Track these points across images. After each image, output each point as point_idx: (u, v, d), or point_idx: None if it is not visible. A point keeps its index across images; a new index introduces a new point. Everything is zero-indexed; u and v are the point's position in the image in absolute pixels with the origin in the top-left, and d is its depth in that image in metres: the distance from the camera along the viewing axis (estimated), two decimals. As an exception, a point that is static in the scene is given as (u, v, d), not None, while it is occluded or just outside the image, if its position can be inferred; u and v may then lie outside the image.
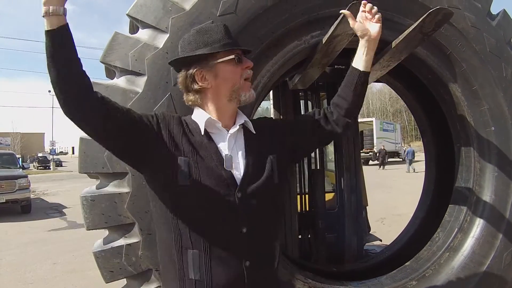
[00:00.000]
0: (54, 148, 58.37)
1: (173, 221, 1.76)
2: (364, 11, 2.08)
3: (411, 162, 31.68)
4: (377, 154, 33.86)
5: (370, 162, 40.76)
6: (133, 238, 2.49)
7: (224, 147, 1.84)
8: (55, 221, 12.92)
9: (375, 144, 40.02)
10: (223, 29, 1.89)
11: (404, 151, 33.21)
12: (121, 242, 2.51)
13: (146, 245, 2.46)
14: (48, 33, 1.54)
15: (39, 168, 50.09)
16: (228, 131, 1.86)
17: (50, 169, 50.05)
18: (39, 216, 13.90)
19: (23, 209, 14.56)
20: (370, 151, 40.63)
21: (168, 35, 2.53)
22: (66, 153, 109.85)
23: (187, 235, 1.74)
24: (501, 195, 3.41)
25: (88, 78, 1.68)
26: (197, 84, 1.86)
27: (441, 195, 4.06)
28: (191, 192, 1.72)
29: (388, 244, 4.70)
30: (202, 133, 1.82)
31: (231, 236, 1.76)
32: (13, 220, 13.08)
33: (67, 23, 1.58)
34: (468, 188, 3.55)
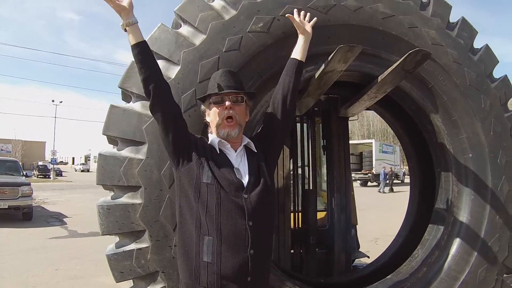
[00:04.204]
0: (55, 157, 58.42)
1: (196, 211, 2.26)
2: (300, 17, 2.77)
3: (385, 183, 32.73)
4: (386, 175, 33.96)
5: (369, 184, 40.88)
6: (143, 243, 2.85)
7: (233, 162, 2.40)
8: (56, 230, 13.08)
9: (374, 166, 40.12)
10: (221, 75, 2.47)
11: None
12: (132, 246, 2.87)
13: (154, 250, 2.82)
14: (134, 46, 2.30)
15: (39, 176, 49.98)
16: (236, 151, 2.44)
17: (50, 178, 50.08)
18: (40, 224, 14.04)
19: (24, 216, 14.69)
20: (369, 173, 40.74)
21: (179, 67, 2.92)
22: (66, 163, 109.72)
23: (205, 223, 2.22)
24: (476, 216, 3.72)
25: (166, 83, 2.41)
26: (204, 118, 2.56)
27: (423, 215, 4.37)
28: (210, 188, 2.25)
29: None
30: (218, 152, 2.40)
31: (240, 228, 2.23)
32: (14, 226, 13.23)
33: (145, 40, 2.34)
34: (446, 209, 3.88)
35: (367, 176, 41.03)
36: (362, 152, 43.36)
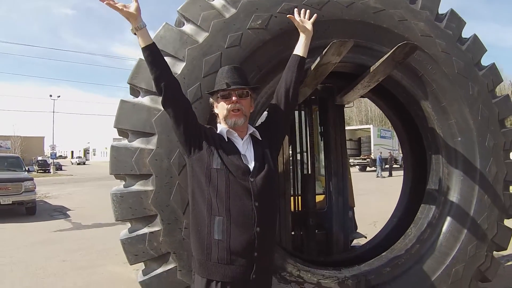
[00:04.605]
0: (54, 152, 58.38)
1: (207, 194, 2.48)
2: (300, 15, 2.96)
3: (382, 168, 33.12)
4: (387, 160, 34.19)
5: (368, 169, 41.15)
6: (155, 227, 3.09)
7: (240, 149, 2.62)
8: (60, 223, 13.21)
9: (372, 151, 40.32)
10: (227, 71, 2.70)
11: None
12: (145, 230, 3.11)
13: (166, 233, 3.07)
14: (144, 48, 2.51)
15: (38, 171, 49.89)
16: (242, 139, 2.66)
17: (50, 172, 50.07)
18: (44, 218, 14.18)
19: (28, 210, 14.83)
20: (367, 158, 40.95)
21: (184, 63, 3.14)
22: (65, 157, 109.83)
23: (215, 204, 2.45)
24: (466, 196, 3.97)
25: (176, 79, 2.64)
26: (213, 109, 2.77)
27: (416, 196, 4.60)
28: (220, 173, 2.48)
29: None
30: (226, 140, 2.62)
31: (247, 208, 2.46)
32: (19, 221, 13.36)
33: (154, 42, 2.55)
34: (437, 190, 4.12)
35: (365, 161, 41.30)
36: (360, 137, 43.48)
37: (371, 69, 3.53)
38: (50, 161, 55.86)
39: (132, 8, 2.47)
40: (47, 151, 73.27)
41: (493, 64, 4.31)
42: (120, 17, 2.49)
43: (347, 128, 44.86)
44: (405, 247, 3.95)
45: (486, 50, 4.28)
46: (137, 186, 3.11)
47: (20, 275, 7.39)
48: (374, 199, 15.35)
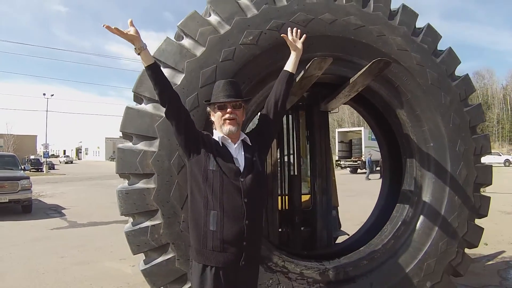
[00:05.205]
0: (47, 151, 58.08)
1: (203, 191, 2.87)
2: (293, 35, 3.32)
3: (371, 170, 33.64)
4: (378, 162, 34.54)
5: (359, 171, 41.38)
6: (157, 221, 3.46)
7: (233, 153, 3.00)
8: (56, 221, 13.41)
9: (363, 153, 40.49)
10: (224, 85, 3.07)
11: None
12: (147, 223, 3.48)
13: (166, 225, 3.44)
14: (147, 67, 2.86)
15: (31, 170, 49.58)
16: (235, 144, 3.03)
17: (43, 171, 49.73)
18: (40, 216, 14.36)
19: (24, 209, 15.01)
20: (358, 160, 41.14)
21: (183, 75, 3.50)
22: (57, 156, 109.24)
23: (211, 200, 2.85)
24: (437, 196, 4.33)
25: (176, 93, 2.98)
26: (209, 118, 3.17)
27: (392, 196, 4.99)
28: (215, 174, 2.87)
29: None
30: (221, 145, 2.99)
31: (238, 204, 2.85)
32: (15, 219, 13.54)
33: (156, 61, 2.91)
34: (411, 191, 4.49)
35: (356, 163, 41.41)
36: (351, 139, 43.74)
37: (351, 80, 3.91)
38: (42, 160, 55.57)
39: (132, 31, 2.81)
40: (40, 150, 72.99)
41: (466, 75, 4.63)
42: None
43: (339, 130, 44.79)
44: (381, 243, 4.32)
45: (460, 62, 4.59)
46: (141, 184, 3.47)
47: (21, 270, 7.60)
48: (362, 200, 15.64)
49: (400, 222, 4.40)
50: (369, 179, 31.37)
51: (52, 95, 64.24)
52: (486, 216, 4.66)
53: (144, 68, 2.91)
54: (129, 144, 3.56)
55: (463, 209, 4.34)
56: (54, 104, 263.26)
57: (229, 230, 2.82)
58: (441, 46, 4.59)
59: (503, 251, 8.31)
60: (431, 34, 4.48)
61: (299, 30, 3.36)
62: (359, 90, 4.11)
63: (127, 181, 3.58)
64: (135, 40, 2.81)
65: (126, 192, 3.45)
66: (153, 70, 2.87)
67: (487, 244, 8.71)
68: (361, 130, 43.90)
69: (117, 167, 3.50)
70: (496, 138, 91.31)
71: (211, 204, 2.85)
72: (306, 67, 3.57)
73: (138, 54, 2.85)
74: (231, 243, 2.82)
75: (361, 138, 42.14)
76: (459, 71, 4.66)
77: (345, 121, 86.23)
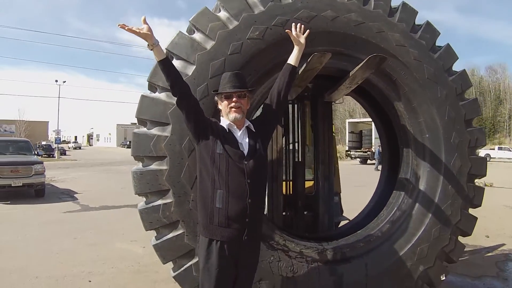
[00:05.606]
0: (58, 137, 58.50)
1: (211, 173, 3.16)
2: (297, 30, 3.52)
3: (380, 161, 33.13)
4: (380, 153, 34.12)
5: (368, 161, 41.32)
6: (168, 199, 3.77)
7: (238, 138, 3.28)
8: (68, 205, 13.79)
9: (373, 144, 40.18)
10: (230, 76, 3.34)
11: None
12: (159, 202, 3.79)
13: (177, 204, 3.74)
14: (160, 62, 3.12)
15: (43, 156, 49.89)
16: (240, 130, 3.31)
17: (54, 157, 50.40)
18: (53, 200, 14.75)
19: (37, 193, 15.41)
20: (368, 151, 40.97)
21: (194, 66, 3.79)
22: (69, 142, 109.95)
23: (217, 180, 3.14)
24: (432, 185, 4.55)
25: (187, 84, 3.26)
26: (217, 106, 3.44)
27: (390, 184, 5.23)
28: (222, 157, 3.15)
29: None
30: (227, 131, 3.27)
31: (241, 184, 3.14)
32: (29, 203, 13.96)
33: (167, 56, 3.19)
34: (407, 179, 4.73)
35: (366, 154, 41.29)
36: (362, 130, 43.51)
37: (350, 73, 4.15)
38: (54, 145, 56.18)
39: (145, 29, 3.05)
40: (51, 136, 73.59)
41: (463, 70, 4.79)
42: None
43: (349, 120, 44.41)
44: (377, 227, 4.57)
45: (457, 58, 4.76)
46: (154, 166, 3.77)
47: (36, 249, 7.93)
48: (370, 191, 15.69)
49: (395, 208, 4.63)
50: (378, 170, 31.29)
51: (64, 81, 64.63)
52: (480, 206, 4.80)
53: (156, 62, 3.18)
54: (143, 129, 3.86)
55: (456, 198, 4.53)
56: (66, 91, 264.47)
57: (233, 208, 3.11)
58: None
59: (503, 244, 8.47)
60: (430, 31, 4.65)
61: (302, 26, 3.56)
62: (359, 83, 4.34)
63: (141, 163, 3.87)
64: (148, 37, 3.05)
65: (140, 173, 3.76)
66: (165, 64, 3.14)
67: (488, 237, 8.94)
68: (371, 121, 43.41)
69: (132, 150, 3.81)
70: (507, 133, 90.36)
71: (217, 184, 3.13)
72: (308, 61, 3.82)
73: (151, 50, 3.10)
74: (235, 220, 3.12)
75: (371, 129, 41.68)
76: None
77: (356, 112, 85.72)
